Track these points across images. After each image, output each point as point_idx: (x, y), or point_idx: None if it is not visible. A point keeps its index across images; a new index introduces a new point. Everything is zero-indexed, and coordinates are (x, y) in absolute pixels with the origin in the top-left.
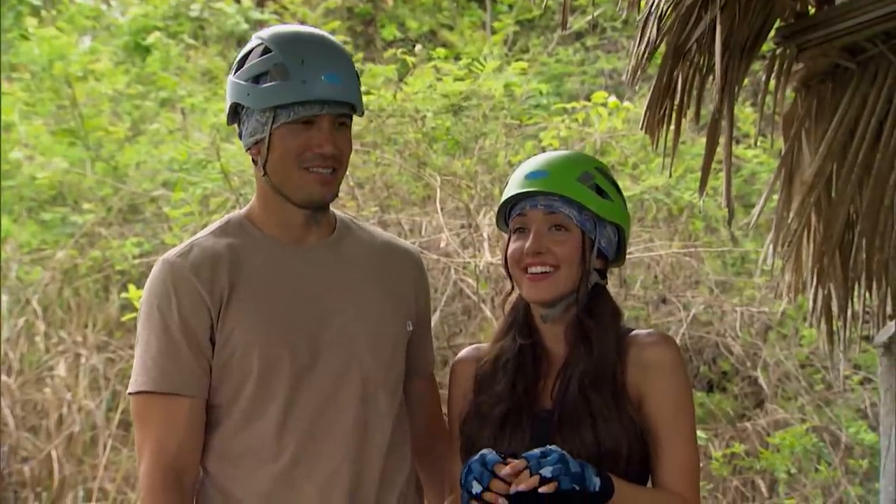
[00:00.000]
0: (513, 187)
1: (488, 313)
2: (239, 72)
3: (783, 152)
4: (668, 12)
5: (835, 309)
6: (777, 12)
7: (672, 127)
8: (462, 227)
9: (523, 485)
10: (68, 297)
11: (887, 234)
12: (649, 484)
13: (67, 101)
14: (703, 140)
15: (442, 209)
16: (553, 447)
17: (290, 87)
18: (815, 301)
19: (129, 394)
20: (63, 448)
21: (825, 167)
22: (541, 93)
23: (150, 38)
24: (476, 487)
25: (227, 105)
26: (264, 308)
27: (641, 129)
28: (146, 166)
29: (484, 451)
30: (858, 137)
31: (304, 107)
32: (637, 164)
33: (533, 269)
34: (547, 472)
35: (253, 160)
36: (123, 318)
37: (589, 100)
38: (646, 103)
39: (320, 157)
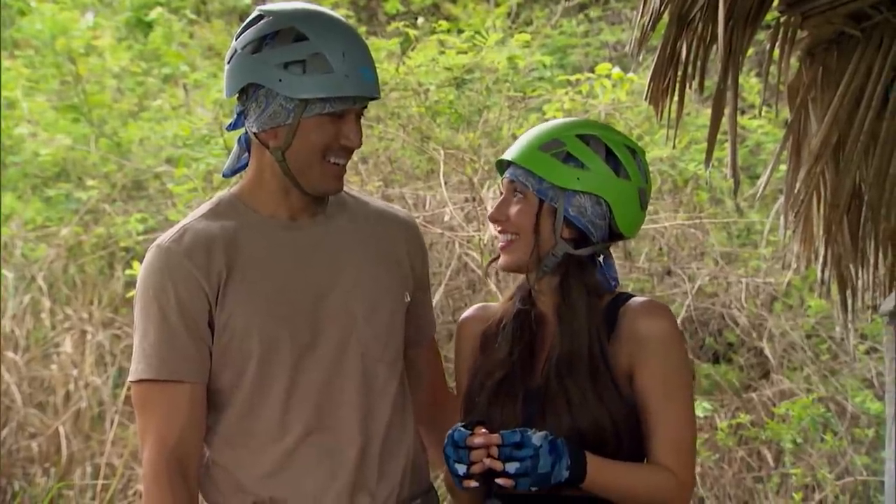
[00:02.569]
0: None
1: (493, 287)
2: (262, 52)
3: (789, 121)
4: None
5: (845, 277)
6: None
7: (676, 98)
8: (466, 200)
9: (488, 461)
10: (73, 273)
11: (893, 203)
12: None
13: (70, 78)
14: (708, 111)
15: (445, 183)
16: (533, 436)
17: (334, 81)
18: (823, 271)
19: (130, 382)
20: (70, 424)
21: (831, 136)
22: (544, 65)
23: (153, 14)
24: (461, 469)
25: (233, 80)
26: (262, 290)
27: (645, 100)
28: (150, 143)
29: (450, 431)
30: (864, 105)
31: (341, 101)
32: (641, 135)
33: (500, 238)
34: (511, 468)
35: (263, 143)
36: (128, 295)
37: (593, 72)
38: (649, 74)
39: (346, 149)
